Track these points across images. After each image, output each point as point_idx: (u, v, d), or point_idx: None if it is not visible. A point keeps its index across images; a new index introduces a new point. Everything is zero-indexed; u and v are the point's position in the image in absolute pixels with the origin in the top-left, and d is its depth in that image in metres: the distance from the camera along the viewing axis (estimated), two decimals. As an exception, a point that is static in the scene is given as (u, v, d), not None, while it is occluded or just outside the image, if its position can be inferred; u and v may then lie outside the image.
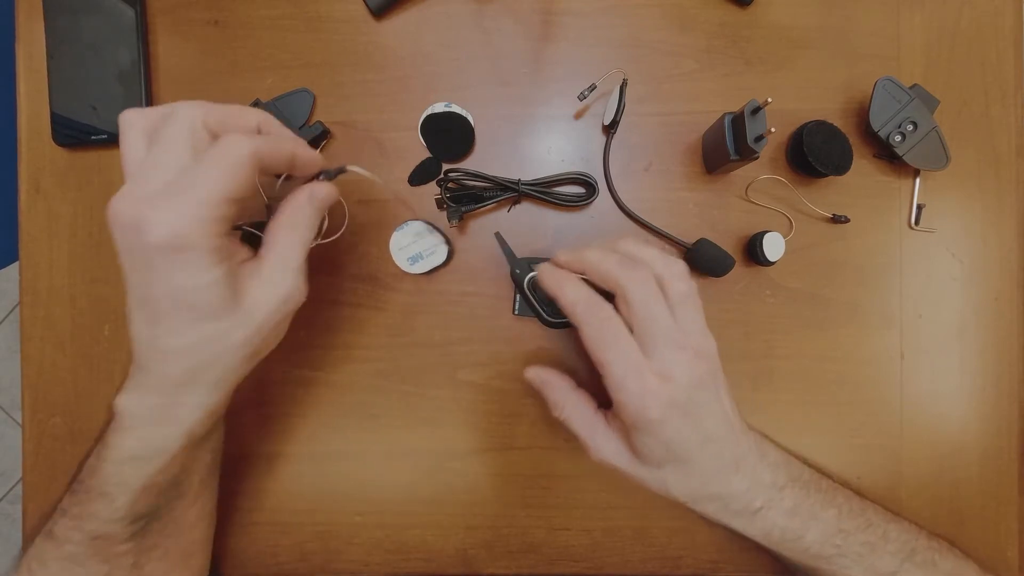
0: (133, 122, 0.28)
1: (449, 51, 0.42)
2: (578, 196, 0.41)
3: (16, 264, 0.45)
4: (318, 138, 0.41)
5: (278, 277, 0.29)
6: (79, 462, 0.33)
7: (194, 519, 0.37)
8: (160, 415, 0.29)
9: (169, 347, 0.28)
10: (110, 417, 0.31)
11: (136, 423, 0.29)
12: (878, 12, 0.42)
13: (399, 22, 0.42)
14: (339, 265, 0.42)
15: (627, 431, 0.32)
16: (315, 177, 0.31)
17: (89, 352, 0.43)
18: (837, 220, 0.41)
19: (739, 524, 0.34)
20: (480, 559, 0.42)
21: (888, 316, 0.41)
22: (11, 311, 1.23)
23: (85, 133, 0.42)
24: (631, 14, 0.42)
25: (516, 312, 0.41)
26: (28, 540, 0.33)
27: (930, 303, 0.41)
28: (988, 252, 0.41)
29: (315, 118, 0.42)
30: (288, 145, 0.29)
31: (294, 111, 0.41)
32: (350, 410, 0.42)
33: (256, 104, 0.41)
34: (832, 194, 0.41)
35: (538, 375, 0.35)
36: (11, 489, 1.22)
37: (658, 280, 0.31)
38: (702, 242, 0.40)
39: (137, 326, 0.28)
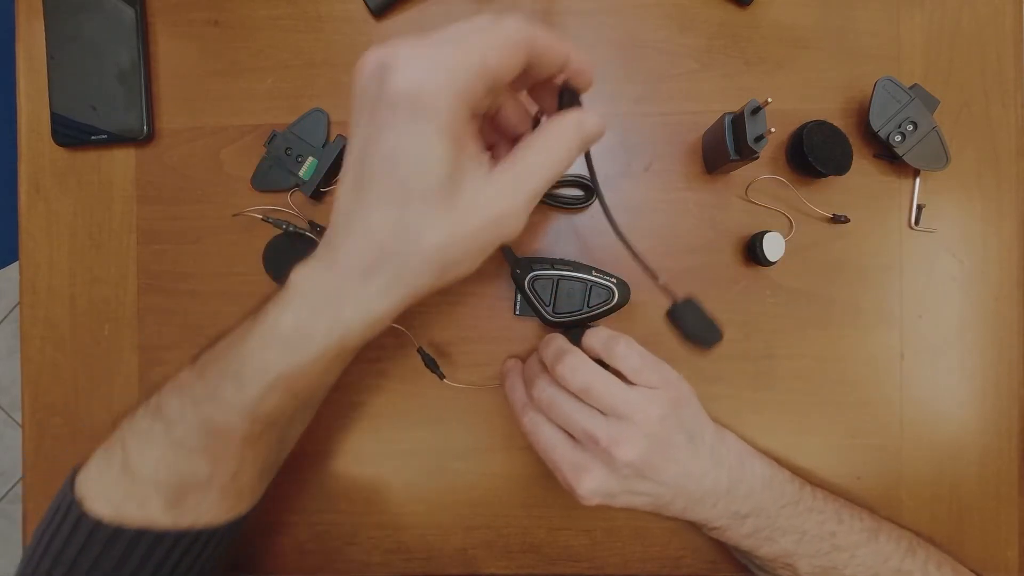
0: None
1: (449, 51, 0.42)
2: (577, 199, 0.41)
3: (16, 264, 0.45)
4: (343, 151, 0.41)
5: (507, 190, 0.25)
6: (209, 344, 0.31)
7: (285, 451, 0.36)
8: (326, 300, 0.26)
9: (364, 221, 0.25)
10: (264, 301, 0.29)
11: (299, 301, 0.27)
12: (878, 12, 0.42)
13: (399, 22, 0.42)
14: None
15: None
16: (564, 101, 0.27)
17: (89, 352, 0.43)
18: (837, 220, 0.41)
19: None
20: (480, 559, 0.42)
21: (888, 316, 0.41)
22: (11, 311, 1.23)
23: (85, 133, 0.42)
24: (631, 14, 0.42)
25: (517, 312, 0.41)
26: (120, 418, 0.32)
27: (930, 303, 0.41)
28: (988, 252, 0.41)
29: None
30: (565, 47, 0.25)
31: (311, 133, 0.41)
32: (350, 410, 0.42)
33: (272, 137, 0.41)
34: (832, 194, 0.41)
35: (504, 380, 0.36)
36: (11, 489, 1.22)
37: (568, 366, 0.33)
38: (689, 303, 0.29)
39: (343, 192, 0.26)
